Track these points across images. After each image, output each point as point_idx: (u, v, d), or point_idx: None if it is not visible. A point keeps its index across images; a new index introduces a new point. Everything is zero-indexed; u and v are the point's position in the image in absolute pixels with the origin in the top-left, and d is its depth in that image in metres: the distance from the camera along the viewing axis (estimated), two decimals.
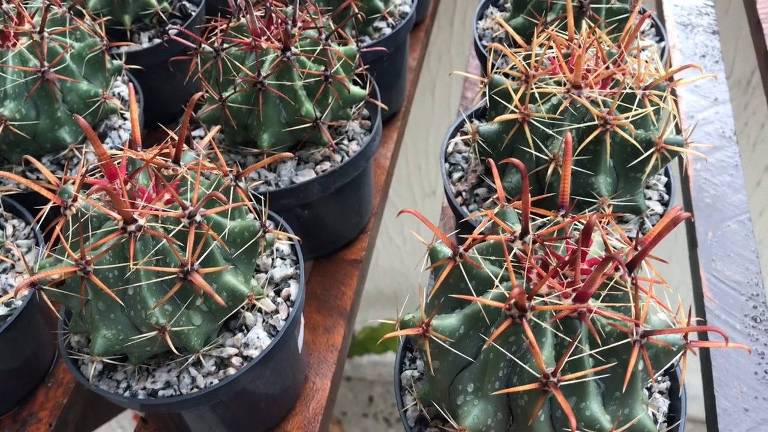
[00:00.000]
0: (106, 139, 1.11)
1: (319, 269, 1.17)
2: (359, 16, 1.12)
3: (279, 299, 0.87)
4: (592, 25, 0.98)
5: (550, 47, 0.90)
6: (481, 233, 0.71)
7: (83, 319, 0.79)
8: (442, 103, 2.39)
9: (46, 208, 0.79)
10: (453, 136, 1.03)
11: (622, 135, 0.81)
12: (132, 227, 0.73)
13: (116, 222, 0.74)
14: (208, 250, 0.75)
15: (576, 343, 0.62)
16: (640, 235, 0.71)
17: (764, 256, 2.93)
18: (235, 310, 0.80)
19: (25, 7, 1.06)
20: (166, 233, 0.75)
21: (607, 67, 0.86)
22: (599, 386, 0.66)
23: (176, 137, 0.82)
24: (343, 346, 1.08)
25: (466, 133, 1.03)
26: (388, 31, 1.25)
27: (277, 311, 0.86)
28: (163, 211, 0.75)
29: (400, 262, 3.00)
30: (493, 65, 0.97)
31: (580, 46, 0.90)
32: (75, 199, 0.77)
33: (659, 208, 0.95)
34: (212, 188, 0.80)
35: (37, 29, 1.01)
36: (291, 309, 0.86)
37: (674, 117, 0.86)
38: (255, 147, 1.02)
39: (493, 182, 0.94)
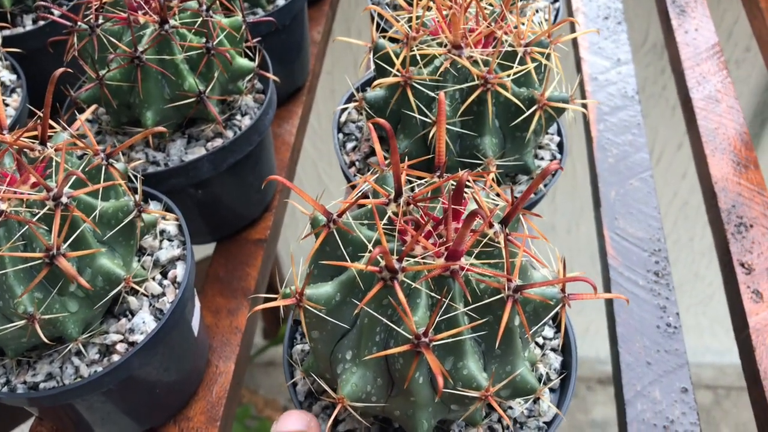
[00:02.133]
0: None
1: (221, 251, 1.14)
2: None
3: (166, 282, 0.84)
4: None
5: (429, 8, 0.88)
6: (356, 199, 0.69)
7: None
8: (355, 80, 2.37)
9: None
10: (347, 103, 1.01)
11: (503, 94, 0.80)
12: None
13: None
14: (77, 232, 0.72)
15: (449, 301, 0.61)
16: (518, 193, 0.70)
17: (689, 218, 3.00)
18: (112, 294, 0.77)
19: None
20: (31, 217, 0.71)
21: (488, 26, 0.85)
22: (479, 345, 0.65)
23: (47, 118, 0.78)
24: (248, 327, 1.06)
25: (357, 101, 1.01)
26: (281, 2, 1.22)
27: (164, 294, 0.83)
28: (28, 194, 0.71)
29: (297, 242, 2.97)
30: (381, 29, 0.95)
31: (462, 9, 0.88)
32: None
33: None
34: (81, 168, 0.76)
35: None
36: (178, 291, 0.83)
37: (558, 74, 0.85)
38: (141, 126, 0.99)
39: (386, 150, 0.92)
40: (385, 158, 0.91)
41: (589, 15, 1.51)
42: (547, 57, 0.85)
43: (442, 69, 0.81)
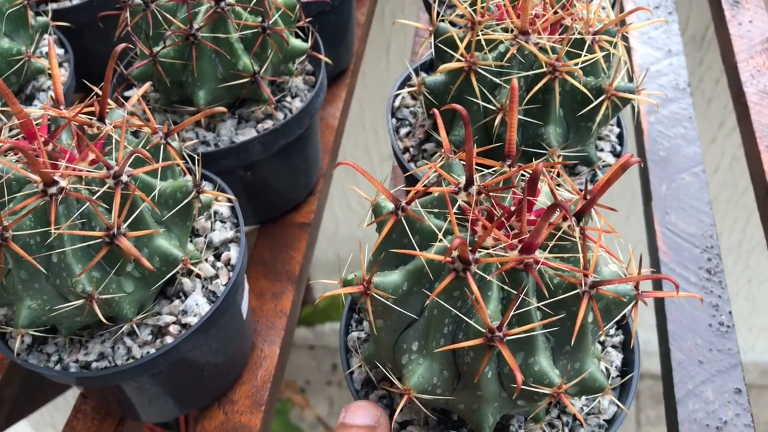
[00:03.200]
0: (34, 101, 1.05)
1: (266, 234, 1.13)
2: None
3: (219, 264, 0.83)
4: None
5: None
6: (426, 187, 0.67)
7: (5, 289, 0.74)
8: (398, 63, 2.34)
9: None
10: (401, 88, 0.99)
11: (571, 82, 0.78)
12: (53, 189, 0.68)
13: (36, 185, 0.69)
14: (137, 212, 0.71)
15: (522, 295, 0.59)
16: (590, 185, 0.68)
17: (719, 212, 2.96)
18: (169, 276, 0.76)
19: None
20: (90, 195, 0.70)
21: (556, 12, 0.82)
22: (549, 340, 0.63)
23: (101, 93, 0.76)
24: (293, 311, 1.04)
25: (413, 86, 0.99)
26: None
27: (216, 276, 0.82)
28: (87, 171, 0.70)
29: (359, 229, 2.97)
30: (438, 14, 0.93)
31: None
32: None
33: (611, 160, 0.92)
34: (140, 147, 0.75)
35: None
36: (231, 273, 0.82)
37: (626, 63, 0.83)
38: (191, 105, 0.97)
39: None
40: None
41: (640, 4, 1.47)
42: (614, 46, 0.83)
43: (508, 55, 0.79)
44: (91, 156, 0.73)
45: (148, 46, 0.92)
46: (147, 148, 0.76)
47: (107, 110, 0.79)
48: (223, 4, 0.90)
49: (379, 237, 0.65)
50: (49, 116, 0.76)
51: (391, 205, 0.66)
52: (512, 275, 0.60)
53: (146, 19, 0.92)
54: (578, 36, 0.80)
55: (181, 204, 0.75)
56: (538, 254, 0.60)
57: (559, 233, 0.62)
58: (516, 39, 0.80)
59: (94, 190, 0.70)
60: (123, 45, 0.76)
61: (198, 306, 0.79)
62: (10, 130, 0.78)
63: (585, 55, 0.79)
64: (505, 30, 0.82)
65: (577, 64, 0.79)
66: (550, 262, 0.61)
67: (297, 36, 1.04)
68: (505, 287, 0.60)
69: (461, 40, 0.83)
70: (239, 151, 0.96)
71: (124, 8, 0.94)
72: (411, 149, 0.93)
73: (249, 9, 0.93)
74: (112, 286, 0.72)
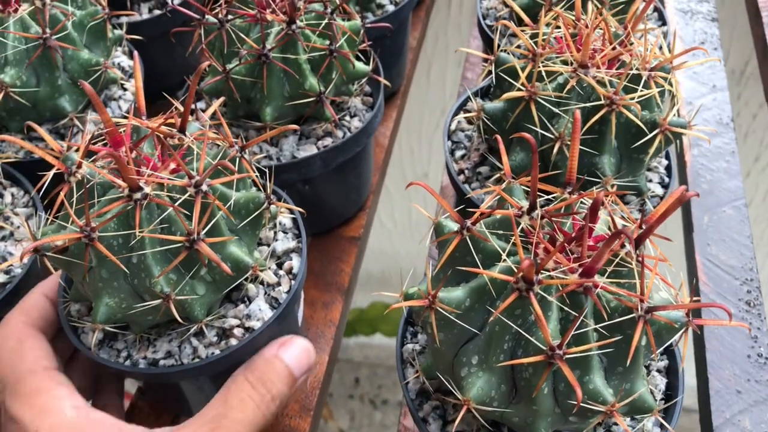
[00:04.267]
0: (107, 109, 1.10)
1: (317, 245, 1.17)
2: None
3: (281, 272, 0.87)
4: (599, 6, 0.98)
5: (557, 27, 0.90)
6: (489, 209, 0.71)
7: (85, 286, 0.78)
8: (437, 85, 2.39)
9: (49, 174, 0.79)
10: (456, 113, 1.03)
11: (627, 115, 0.82)
12: (138, 195, 0.72)
13: (121, 190, 0.74)
14: (214, 220, 0.75)
15: (582, 317, 0.63)
16: (645, 214, 0.71)
17: (756, 244, 2.96)
18: (238, 282, 0.80)
19: None
20: (171, 202, 0.74)
21: (614, 48, 0.86)
22: (602, 361, 0.66)
23: (181, 107, 0.81)
24: (341, 322, 1.08)
25: (469, 111, 1.03)
26: (391, 8, 1.25)
27: (279, 284, 0.86)
28: (170, 179, 0.75)
29: (390, 245, 3.01)
30: (498, 45, 0.97)
31: (587, 26, 0.90)
32: (79, 166, 0.76)
33: (659, 190, 0.95)
34: (218, 159, 0.79)
35: None
36: (293, 282, 0.86)
37: (677, 99, 0.86)
38: (257, 120, 1.02)
39: (497, 160, 0.94)
40: (498, 169, 0.93)
41: (686, 39, 1.51)
42: (668, 82, 0.86)
43: (568, 87, 0.83)
44: (172, 165, 0.77)
45: (221, 63, 0.97)
46: (224, 160, 0.80)
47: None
48: (294, 26, 0.95)
49: (443, 255, 0.69)
50: (132, 126, 0.81)
51: (454, 225, 0.70)
52: (572, 297, 0.64)
53: (220, 37, 0.97)
54: (635, 72, 0.84)
55: (253, 214, 0.79)
56: (597, 278, 0.64)
57: (617, 259, 0.66)
58: (576, 71, 0.83)
59: (175, 198, 0.74)
60: (206, 63, 0.81)
61: (261, 311, 0.83)
62: (93, 137, 0.83)
63: (641, 90, 0.83)
64: (565, 62, 0.86)
65: (633, 98, 0.82)
66: (608, 286, 0.64)
67: (358, 59, 1.08)
68: (565, 308, 0.64)
69: (522, 69, 0.87)
70: (300, 166, 1.00)
71: (198, 26, 0.99)
72: (466, 171, 0.97)
73: (318, 32, 0.97)
74: (186, 288, 0.77)
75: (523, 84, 0.85)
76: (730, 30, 2.32)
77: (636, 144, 0.84)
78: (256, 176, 0.85)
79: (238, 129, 1.05)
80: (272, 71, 0.96)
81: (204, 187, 0.74)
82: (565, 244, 0.66)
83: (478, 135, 0.97)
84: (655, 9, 1.30)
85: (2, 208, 0.95)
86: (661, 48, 0.91)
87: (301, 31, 0.96)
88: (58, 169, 0.76)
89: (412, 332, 0.83)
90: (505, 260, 0.66)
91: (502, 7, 1.21)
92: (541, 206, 0.70)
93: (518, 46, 0.91)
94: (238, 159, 0.81)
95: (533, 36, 0.90)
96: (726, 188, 1.24)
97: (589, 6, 0.97)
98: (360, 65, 1.03)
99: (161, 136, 0.78)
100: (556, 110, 0.84)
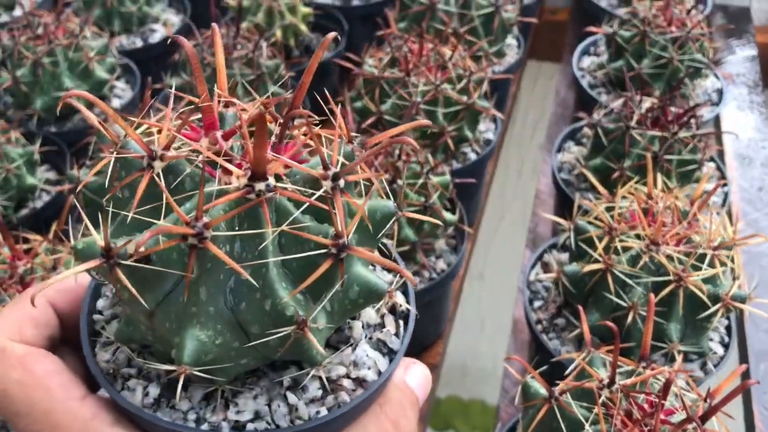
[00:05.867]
0: None
1: None
2: (450, 147, 1.26)
3: (384, 310, 0.66)
4: (667, 183, 1.10)
5: (630, 193, 1.02)
6: (577, 381, 0.82)
7: (155, 317, 0.54)
8: (490, 220, 2.44)
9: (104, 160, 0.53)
10: (533, 266, 1.15)
11: (693, 291, 0.92)
12: (261, 186, 0.50)
13: (237, 179, 0.51)
14: (354, 226, 0.54)
15: None
16: (702, 373, 0.81)
17: None
18: (359, 311, 0.60)
19: None
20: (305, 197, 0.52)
21: (683, 228, 0.97)
22: None
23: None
24: None
25: (546, 264, 1.15)
26: (473, 156, 1.38)
27: (382, 325, 0.65)
28: (303, 167, 0.53)
29: (473, 341, 3.01)
30: (579, 207, 1.08)
31: (657, 202, 1.02)
32: (167, 148, 0.52)
33: (720, 350, 1.05)
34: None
35: None
36: (401, 322, 0.66)
37: (738, 274, 0.97)
38: None
39: (572, 314, 1.05)
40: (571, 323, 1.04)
41: (743, 186, 1.61)
42: (731, 259, 0.97)
43: (641, 263, 0.94)
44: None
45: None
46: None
47: None
48: (395, 186, 1.08)
49: (531, 419, 0.80)
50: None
51: (542, 390, 0.81)
52: None
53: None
54: (702, 251, 0.95)
55: (382, 229, 0.59)
56: None
57: None
58: (648, 248, 0.95)
59: (306, 193, 0.54)
60: (332, 34, 0.56)
61: (369, 357, 0.62)
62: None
63: (706, 269, 0.93)
64: (638, 237, 0.98)
65: (699, 276, 0.93)
66: None
67: (445, 207, 1.21)
68: None
69: (599, 239, 0.99)
70: None
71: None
72: (543, 322, 1.08)
73: (415, 190, 1.11)
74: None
75: (600, 254, 0.97)
76: None
77: (701, 315, 0.94)
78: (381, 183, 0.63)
79: None
80: None
81: (342, 183, 0.54)
82: (639, 417, 0.76)
83: (555, 288, 1.08)
84: (712, 158, 1.41)
85: None
86: (724, 224, 1.02)
87: (403, 190, 1.09)
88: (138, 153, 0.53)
89: None
90: (587, 430, 0.76)
91: (576, 162, 1.34)
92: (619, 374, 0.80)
93: (596, 217, 1.02)
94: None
95: (609, 208, 1.02)
96: None
97: (659, 179, 1.09)
98: (450, 216, 1.17)
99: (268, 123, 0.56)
100: (629, 281, 0.95)
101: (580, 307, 0.88)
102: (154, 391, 0.58)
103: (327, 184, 0.52)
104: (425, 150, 1.19)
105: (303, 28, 1.68)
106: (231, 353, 0.54)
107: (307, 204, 0.51)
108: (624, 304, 0.95)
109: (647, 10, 1.46)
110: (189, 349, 0.52)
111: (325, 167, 0.52)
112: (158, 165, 0.52)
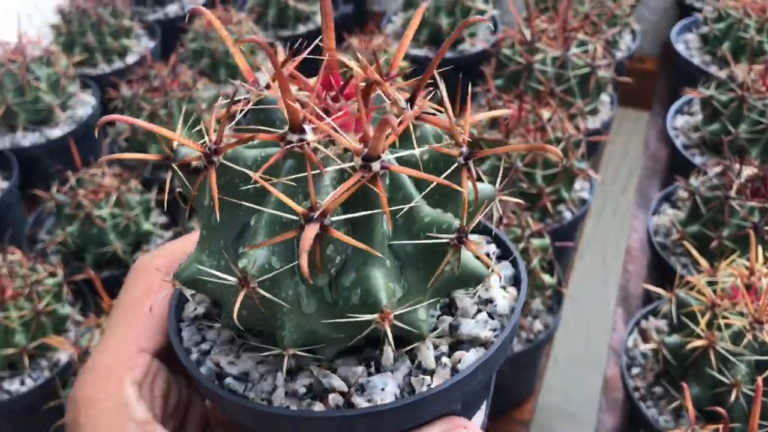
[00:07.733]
0: None
1: (490, 429, 1.31)
2: (549, 210, 1.30)
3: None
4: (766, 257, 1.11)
5: (731, 262, 1.04)
6: None
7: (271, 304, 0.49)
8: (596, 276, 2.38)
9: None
10: (630, 332, 1.17)
11: None
12: (376, 165, 0.47)
13: (357, 155, 0.47)
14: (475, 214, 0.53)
15: None
16: None
17: None
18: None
19: None
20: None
21: None
22: None
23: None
24: None
25: (643, 330, 1.17)
26: (567, 215, 1.42)
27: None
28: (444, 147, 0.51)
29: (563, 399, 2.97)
30: (680, 279, 1.10)
31: (759, 279, 1.03)
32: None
33: None
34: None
35: None
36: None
37: None
38: None
39: (669, 383, 1.07)
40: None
41: None
42: None
43: (744, 342, 0.96)
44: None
45: None
46: None
47: None
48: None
49: None
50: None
51: None
52: None
53: None
54: None
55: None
56: None
57: None
58: (751, 326, 0.96)
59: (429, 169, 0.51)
60: (425, 4, 0.56)
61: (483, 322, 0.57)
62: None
63: None
64: (741, 314, 0.99)
65: None
66: None
67: (544, 269, 1.25)
68: None
69: (702, 314, 1.01)
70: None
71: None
72: (641, 389, 1.10)
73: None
74: (409, 297, 0.52)
75: (702, 330, 0.99)
76: None
77: None
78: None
79: None
80: None
81: (471, 164, 0.51)
82: None
83: (654, 356, 1.10)
84: None
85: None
86: None
87: None
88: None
89: None
90: None
91: (671, 225, 1.35)
92: None
93: (697, 290, 1.04)
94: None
95: (711, 283, 1.04)
96: None
97: (760, 254, 1.10)
98: (548, 279, 1.20)
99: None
100: (731, 358, 0.96)
101: (684, 384, 0.90)
102: (264, 385, 0.54)
103: (459, 160, 0.50)
104: (525, 212, 1.23)
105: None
106: (346, 327, 0.51)
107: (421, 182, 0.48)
108: (727, 381, 0.97)
109: (746, 74, 1.47)
110: (287, 332, 0.50)
111: (458, 143, 0.50)
112: (311, 144, 0.49)
